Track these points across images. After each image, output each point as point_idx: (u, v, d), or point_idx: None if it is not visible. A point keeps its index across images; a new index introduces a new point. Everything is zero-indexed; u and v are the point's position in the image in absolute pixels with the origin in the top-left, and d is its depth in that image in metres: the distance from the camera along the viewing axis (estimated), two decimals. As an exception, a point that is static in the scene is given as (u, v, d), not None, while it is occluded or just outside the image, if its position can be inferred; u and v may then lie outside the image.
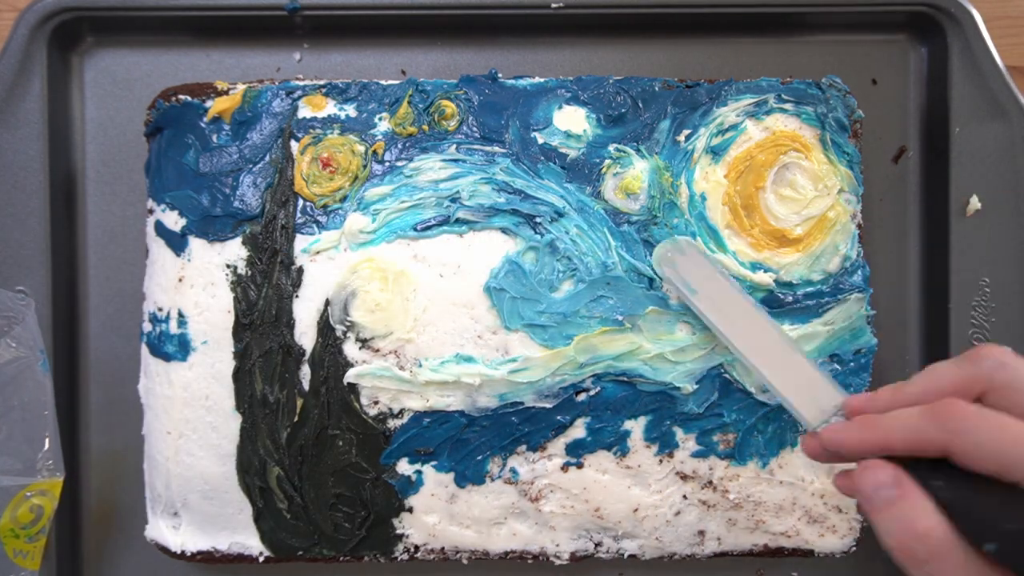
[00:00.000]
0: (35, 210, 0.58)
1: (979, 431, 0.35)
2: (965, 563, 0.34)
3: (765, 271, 0.55)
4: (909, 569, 0.35)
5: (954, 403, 0.36)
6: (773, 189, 0.56)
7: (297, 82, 0.57)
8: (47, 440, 0.54)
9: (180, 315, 0.55)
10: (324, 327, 0.54)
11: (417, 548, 0.55)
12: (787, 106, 0.56)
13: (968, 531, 0.34)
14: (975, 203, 0.58)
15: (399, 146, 0.55)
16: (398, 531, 0.55)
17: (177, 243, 0.55)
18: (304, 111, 0.56)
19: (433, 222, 0.54)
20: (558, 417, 0.54)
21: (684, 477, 0.55)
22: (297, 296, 0.54)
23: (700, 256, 0.53)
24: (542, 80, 0.57)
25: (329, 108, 0.56)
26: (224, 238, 0.55)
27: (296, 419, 0.54)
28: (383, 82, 0.57)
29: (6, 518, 0.53)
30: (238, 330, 0.54)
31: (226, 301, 0.54)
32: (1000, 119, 0.58)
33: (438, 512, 0.55)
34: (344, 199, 0.55)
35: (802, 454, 0.56)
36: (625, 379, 0.54)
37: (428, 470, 0.55)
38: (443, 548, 0.55)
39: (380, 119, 0.56)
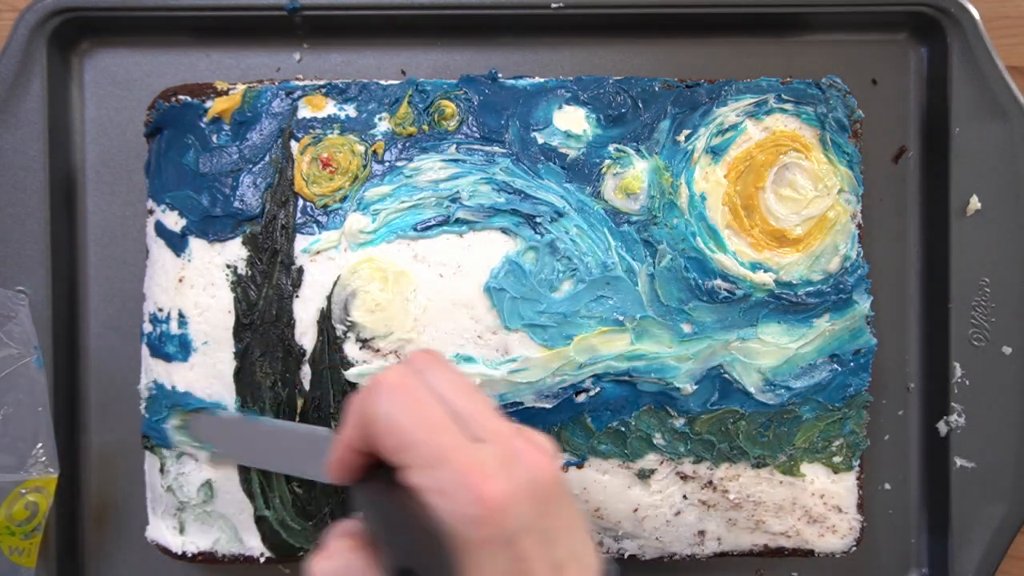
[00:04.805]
0: (35, 210, 0.58)
1: (395, 401, 0.33)
2: None
3: (765, 271, 0.55)
4: None
5: (386, 373, 0.35)
6: (773, 189, 0.56)
7: (297, 82, 0.57)
8: (41, 437, 0.54)
9: (180, 315, 0.55)
10: (324, 327, 0.54)
11: (417, 548, 0.55)
12: (787, 106, 0.56)
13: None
14: (975, 203, 0.58)
15: (399, 146, 0.55)
16: (398, 531, 0.55)
17: (177, 243, 0.55)
18: (304, 111, 0.56)
19: (433, 222, 0.54)
20: (558, 417, 0.54)
21: (684, 477, 0.55)
22: (297, 296, 0.54)
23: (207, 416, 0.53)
24: (542, 80, 0.57)
25: (329, 108, 0.56)
26: (224, 238, 0.55)
27: (296, 419, 0.54)
28: (383, 82, 0.57)
29: (1, 515, 0.53)
30: (238, 330, 0.54)
31: (226, 301, 0.54)
32: (1000, 119, 0.58)
33: (438, 512, 0.55)
34: (344, 199, 0.55)
35: (806, 452, 0.56)
36: (625, 379, 0.54)
37: (428, 470, 0.55)
38: (443, 548, 0.55)
39: (380, 119, 0.56)
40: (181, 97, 0.56)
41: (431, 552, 0.31)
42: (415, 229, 0.54)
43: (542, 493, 0.33)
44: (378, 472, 0.35)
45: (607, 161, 0.55)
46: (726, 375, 0.55)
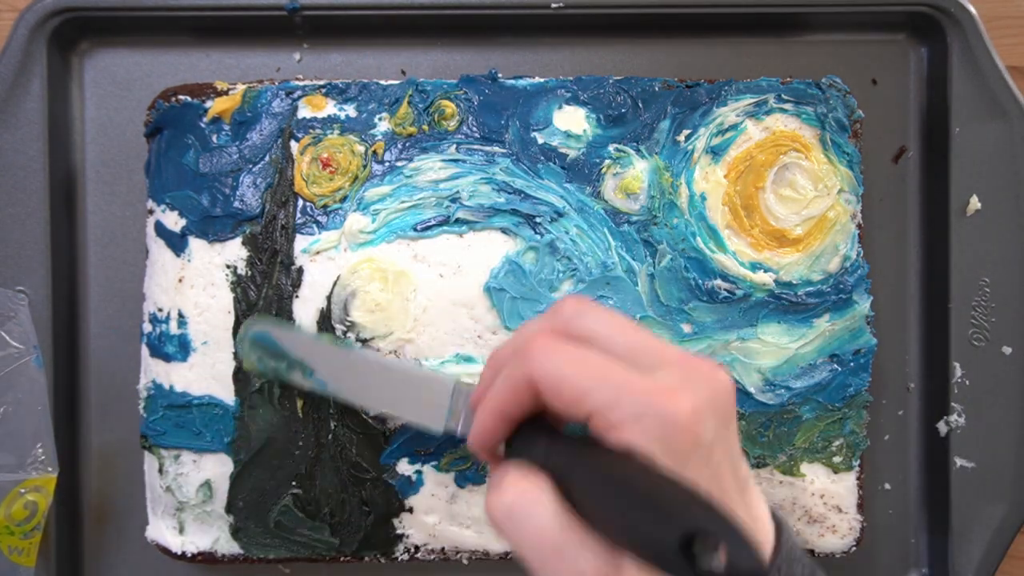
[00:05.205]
0: (35, 210, 0.58)
1: (556, 358, 0.33)
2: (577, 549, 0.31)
3: (765, 271, 0.55)
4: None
5: (535, 336, 0.34)
6: (773, 189, 0.56)
7: (297, 82, 0.57)
8: (41, 436, 0.54)
9: (180, 316, 0.55)
10: (324, 327, 0.54)
11: (417, 548, 0.55)
12: (787, 106, 0.56)
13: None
14: (975, 203, 0.58)
15: (399, 146, 0.55)
16: (398, 531, 0.55)
17: (177, 243, 0.55)
18: (304, 111, 0.56)
19: (433, 222, 0.54)
20: (558, 417, 0.54)
21: (684, 477, 0.55)
22: (297, 296, 0.54)
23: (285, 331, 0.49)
24: (542, 80, 0.57)
25: (329, 108, 0.56)
26: (224, 238, 0.55)
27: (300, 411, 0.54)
28: (383, 82, 0.57)
29: (0, 515, 0.53)
30: (239, 330, 0.54)
31: (226, 301, 0.54)
32: (1000, 119, 0.58)
33: (438, 512, 0.55)
34: (344, 199, 0.55)
35: (806, 452, 0.56)
36: (625, 379, 0.54)
37: (428, 470, 0.55)
38: (443, 548, 0.55)
39: (380, 119, 0.56)
40: (181, 97, 0.56)
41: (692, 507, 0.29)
42: (415, 229, 0.54)
43: (724, 407, 0.33)
44: (528, 435, 0.35)
45: (607, 161, 0.55)
46: (726, 375, 0.55)
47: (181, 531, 0.56)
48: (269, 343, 0.49)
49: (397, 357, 0.54)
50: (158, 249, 0.56)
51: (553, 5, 0.58)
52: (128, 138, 0.61)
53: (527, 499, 0.32)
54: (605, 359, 0.33)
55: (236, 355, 0.53)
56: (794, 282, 0.55)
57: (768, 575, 0.29)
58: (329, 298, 0.54)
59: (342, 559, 0.56)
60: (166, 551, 0.56)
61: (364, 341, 0.54)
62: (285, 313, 0.54)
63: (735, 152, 0.56)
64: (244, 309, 0.54)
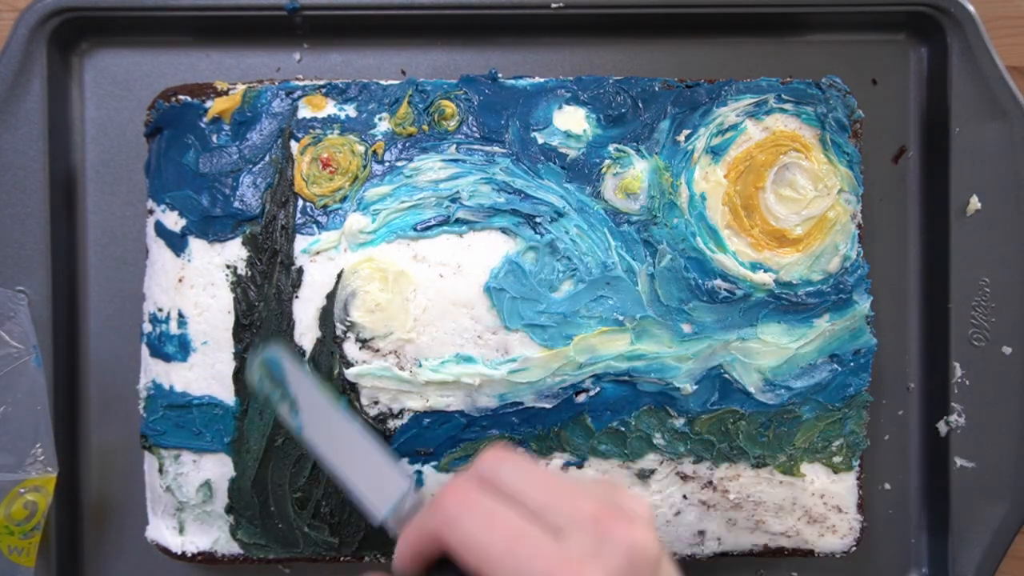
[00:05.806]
0: (35, 210, 0.58)
1: (465, 520, 0.32)
2: None
3: (765, 271, 0.55)
4: None
5: (450, 489, 0.34)
6: (773, 189, 0.56)
7: (297, 82, 0.57)
8: (40, 436, 0.54)
9: (180, 316, 0.55)
10: (324, 327, 0.54)
11: (417, 548, 0.55)
12: (787, 106, 0.56)
13: None
14: (975, 203, 0.58)
15: (399, 146, 0.55)
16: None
17: (177, 243, 0.55)
18: (304, 111, 0.56)
19: (433, 222, 0.54)
20: (558, 417, 0.54)
21: (684, 477, 0.55)
22: (297, 296, 0.54)
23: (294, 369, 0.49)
24: (542, 80, 0.57)
25: (329, 108, 0.56)
26: (224, 238, 0.55)
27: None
28: (383, 82, 0.57)
29: (0, 515, 0.53)
30: (238, 331, 0.54)
31: (226, 302, 0.54)
32: (1000, 119, 0.58)
33: (438, 512, 0.55)
34: (344, 199, 0.55)
35: (806, 452, 0.56)
36: (625, 379, 0.54)
37: (428, 470, 0.55)
38: (443, 548, 0.55)
39: (380, 119, 0.56)
40: (181, 97, 0.56)
41: None
42: (415, 229, 0.54)
43: (642, 570, 0.32)
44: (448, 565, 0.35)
45: (607, 161, 0.55)
46: (726, 375, 0.55)
47: (181, 531, 0.56)
48: (276, 369, 0.49)
49: (397, 357, 0.54)
50: (158, 249, 0.56)
51: (553, 5, 0.58)
52: (128, 138, 0.61)
53: None
54: (516, 520, 0.32)
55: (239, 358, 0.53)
56: (794, 282, 0.55)
57: None
58: (329, 298, 0.54)
59: (342, 559, 0.56)
60: (166, 551, 0.56)
61: (364, 341, 0.54)
62: (285, 313, 0.54)
63: (735, 152, 0.56)
64: (244, 309, 0.54)
